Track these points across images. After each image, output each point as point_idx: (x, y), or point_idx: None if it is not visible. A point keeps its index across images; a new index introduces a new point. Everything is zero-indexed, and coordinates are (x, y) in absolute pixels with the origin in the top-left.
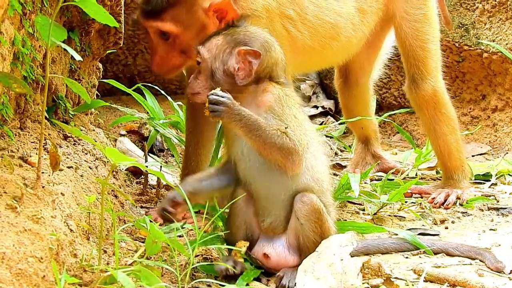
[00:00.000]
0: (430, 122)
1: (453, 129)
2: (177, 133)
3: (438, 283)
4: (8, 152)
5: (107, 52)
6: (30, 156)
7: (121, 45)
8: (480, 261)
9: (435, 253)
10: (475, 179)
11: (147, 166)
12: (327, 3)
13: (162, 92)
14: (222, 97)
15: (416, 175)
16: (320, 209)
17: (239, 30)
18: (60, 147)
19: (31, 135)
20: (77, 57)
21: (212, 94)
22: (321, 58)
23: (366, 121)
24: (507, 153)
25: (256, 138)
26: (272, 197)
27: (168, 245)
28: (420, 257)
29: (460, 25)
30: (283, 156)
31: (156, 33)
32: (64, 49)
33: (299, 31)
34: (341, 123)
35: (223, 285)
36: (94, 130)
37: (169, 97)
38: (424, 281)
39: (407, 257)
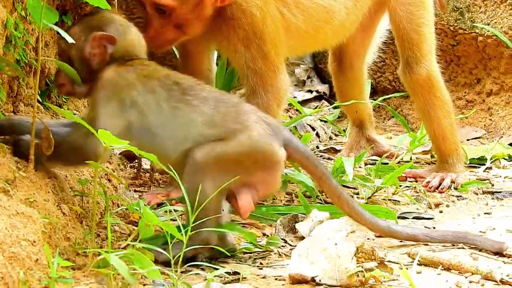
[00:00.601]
0: (425, 106)
1: (447, 113)
2: None
3: (432, 266)
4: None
5: None
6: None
7: None
8: (471, 247)
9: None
10: (469, 163)
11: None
12: None
13: None
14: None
15: (410, 159)
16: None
17: (93, 17)
18: None
19: None
20: (70, 40)
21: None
22: (314, 41)
23: (361, 105)
24: (502, 137)
25: (59, 158)
26: None
27: (162, 228)
28: None
29: (455, 9)
30: (79, 156)
31: (152, 7)
32: (57, 33)
33: (292, 14)
34: (335, 107)
35: (217, 268)
36: None
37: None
38: (418, 264)
39: (401, 241)
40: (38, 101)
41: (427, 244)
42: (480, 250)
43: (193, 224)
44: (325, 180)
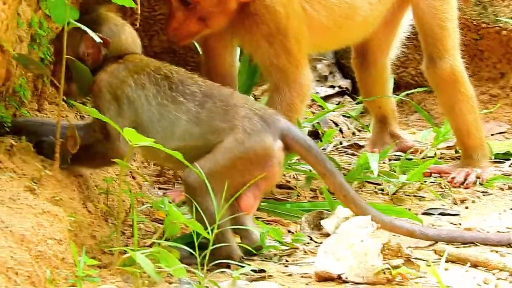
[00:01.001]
0: (449, 101)
1: (471, 108)
2: None
3: (459, 263)
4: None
5: None
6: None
7: (137, 26)
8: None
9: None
10: (494, 158)
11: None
12: None
13: None
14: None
15: (435, 154)
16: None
17: (89, 16)
18: None
19: (49, 117)
20: (97, 39)
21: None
22: (337, 38)
23: (384, 101)
24: None
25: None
26: None
27: (187, 226)
28: None
29: (478, 3)
30: (103, 159)
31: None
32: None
33: (315, 10)
34: (358, 103)
35: (243, 266)
36: None
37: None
38: (445, 261)
39: None
40: (62, 99)
41: None
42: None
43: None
44: (329, 176)
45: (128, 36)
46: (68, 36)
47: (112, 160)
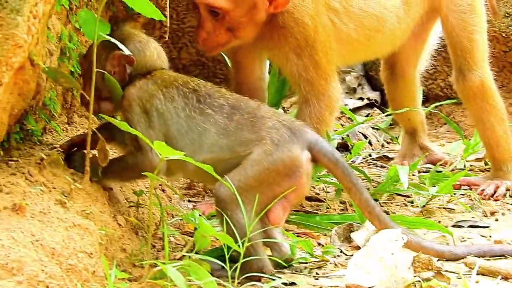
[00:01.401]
0: (478, 113)
1: (501, 120)
2: None
3: (490, 276)
4: (56, 148)
5: None
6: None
7: (166, 39)
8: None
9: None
10: None
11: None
12: None
13: None
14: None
15: (464, 166)
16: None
17: (113, 34)
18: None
19: (79, 130)
20: (127, 52)
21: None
22: (365, 50)
23: (413, 113)
24: None
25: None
26: None
27: (217, 239)
28: None
29: (507, 15)
30: (133, 170)
31: (206, 9)
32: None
33: (344, 23)
34: (387, 115)
35: (273, 279)
36: None
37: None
38: (476, 274)
39: None
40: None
41: None
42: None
43: (243, 260)
44: (355, 191)
45: (154, 52)
46: (98, 55)
47: (142, 173)
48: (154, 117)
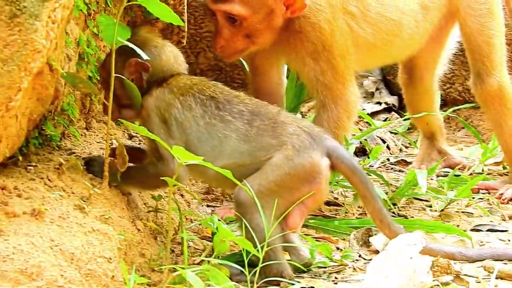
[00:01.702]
0: (496, 118)
1: None
2: None
3: (509, 279)
4: (75, 153)
5: None
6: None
7: (184, 44)
8: None
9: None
10: None
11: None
12: (391, 0)
13: None
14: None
15: (482, 170)
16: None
17: (129, 40)
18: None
19: (97, 135)
20: (145, 57)
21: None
22: (383, 55)
23: (431, 117)
24: None
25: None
26: None
27: (236, 243)
28: None
29: None
30: (156, 180)
31: (223, 16)
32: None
33: (361, 27)
34: (405, 119)
35: (293, 283)
36: None
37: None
38: (495, 278)
39: None
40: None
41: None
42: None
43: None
44: (370, 200)
45: (170, 56)
46: (111, 61)
47: (163, 181)
48: (174, 126)
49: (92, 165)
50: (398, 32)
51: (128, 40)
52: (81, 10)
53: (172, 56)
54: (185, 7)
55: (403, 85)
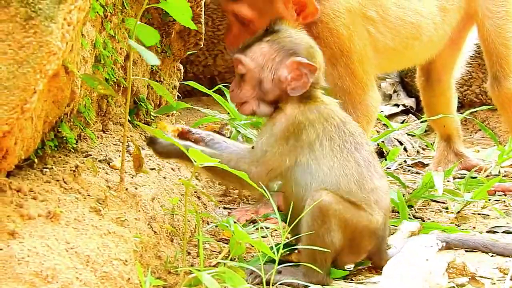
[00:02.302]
0: None
1: None
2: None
3: None
4: (91, 155)
5: (188, 53)
6: (114, 159)
7: (201, 46)
8: None
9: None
10: None
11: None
12: (410, 3)
13: None
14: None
15: (499, 172)
16: (325, 208)
17: (283, 36)
18: (143, 149)
19: (113, 137)
20: (155, 62)
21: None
22: (403, 59)
23: (448, 119)
24: None
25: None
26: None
27: (253, 246)
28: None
29: None
30: (240, 181)
31: (233, 15)
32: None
33: (380, 32)
34: (422, 121)
35: (308, 286)
36: None
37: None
38: (510, 279)
39: (492, 256)
40: (128, 119)
41: None
42: None
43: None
44: None
45: (321, 60)
46: (263, 52)
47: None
48: (302, 148)
49: (159, 143)
50: (417, 35)
51: (283, 36)
52: (97, 12)
53: (320, 61)
54: (203, 9)
55: (421, 88)
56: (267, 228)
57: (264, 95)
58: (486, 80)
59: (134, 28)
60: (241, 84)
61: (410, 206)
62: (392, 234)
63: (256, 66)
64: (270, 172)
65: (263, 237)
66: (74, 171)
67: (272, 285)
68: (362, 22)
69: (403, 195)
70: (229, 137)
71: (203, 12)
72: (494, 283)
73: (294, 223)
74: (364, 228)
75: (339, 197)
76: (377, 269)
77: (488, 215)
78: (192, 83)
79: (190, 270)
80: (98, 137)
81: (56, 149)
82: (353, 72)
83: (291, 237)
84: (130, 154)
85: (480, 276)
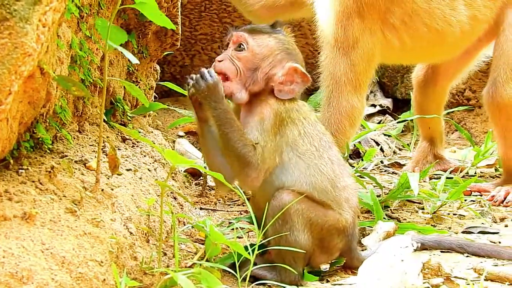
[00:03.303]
0: (502, 131)
1: None
2: None
3: (499, 281)
4: (67, 156)
5: (164, 53)
6: (90, 160)
7: (178, 46)
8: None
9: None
10: None
11: (205, 168)
12: (438, 10)
13: None
14: (211, 76)
15: (475, 173)
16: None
17: (288, 40)
18: (119, 149)
19: (90, 138)
20: (134, 61)
21: (205, 71)
22: (416, 58)
23: (434, 123)
24: None
25: (223, 134)
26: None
27: (228, 246)
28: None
29: None
30: (241, 166)
31: None
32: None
33: (398, 38)
34: (399, 122)
35: (284, 286)
36: (152, 132)
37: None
38: (484, 280)
39: (467, 256)
40: (103, 120)
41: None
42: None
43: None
44: None
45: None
46: (266, 44)
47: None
48: (287, 146)
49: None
50: (440, 40)
51: (287, 42)
52: (73, 13)
53: None
54: (179, 10)
55: (416, 84)
56: (242, 228)
57: (250, 83)
58: (463, 82)
59: (100, 28)
60: (233, 60)
61: (386, 207)
62: (367, 235)
63: (259, 53)
64: (266, 171)
65: (239, 237)
66: (49, 172)
67: (248, 286)
68: (381, 25)
69: (379, 195)
70: None
71: (179, 13)
72: (469, 284)
73: (262, 224)
74: (331, 227)
75: (302, 197)
76: (352, 269)
77: (463, 216)
78: (169, 84)
79: (166, 271)
80: (74, 138)
81: (31, 150)
82: (353, 64)
83: (264, 238)
84: (106, 155)
85: (455, 277)
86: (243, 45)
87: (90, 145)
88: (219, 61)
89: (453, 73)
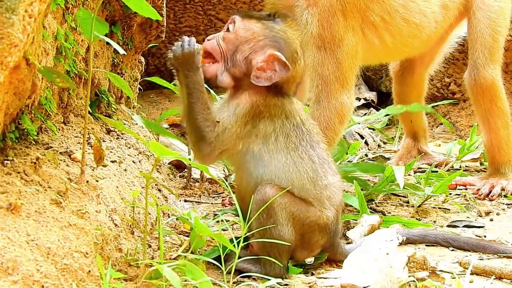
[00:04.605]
0: (485, 114)
1: (506, 124)
2: None
3: (484, 275)
4: (52, 147)
5: (149, 45)
6: (75, 152)
7: (163, 38)
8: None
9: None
10: None
11: (190, 160)
12: (415, 4)
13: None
14: (189, 45)
15: (460, 166)
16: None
17: (279, 29)
18: (104, 141)
19: (75, 129)
20: (121, 51)
21: (185, 39)
22: (398, 54)
23: (415, 116)
24: None
25: (189, 103)
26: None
27: (213, 239)
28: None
29: None
30: (195, 138)
31: None
32: (107, 43)
33: (378, 37)
34: (384, 116)
35: (269, 279)
36: (137, 124)
37: (211, 90)
38: (470, 273)
39: (452, 250)
40: (88, 111)
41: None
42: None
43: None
44: None
45: (300, 70)
46: (252, 28)
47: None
48: (257, 137)
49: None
50: (418, 33)
51: (278, 28)
52: (58, 4)
53: (300, 71)
54: (164, 1)
55: (394, 75)
56: (227, 221)
57: (231, 65)
58: (448, 75)
59: (80, 20)
60: (219, 41)
61: (371, 200)
62: (352, 228)
63: (242, 36)
64: (222, 152)
65: (223, 230)
66: (35, 163)
67: (233, 279)
68: (361, 23)
69: (363, 189)
70: None
71: (164, 5)
72: (454, 277)
73: (248, 216)
74: (312, 223)
75: (285, 191)
76: (337, 262)
77: (448, 209)
78: (155, 79)
79: (151, 263)
80: (59, 129)
81: (17, 141)
82: (339, 62)
83: (249, 231)
84: (91, 146)
85: (441, 270)
86: (231, 26)
87: (75, 137)
88: (208, 40)
89: (428, 60)
